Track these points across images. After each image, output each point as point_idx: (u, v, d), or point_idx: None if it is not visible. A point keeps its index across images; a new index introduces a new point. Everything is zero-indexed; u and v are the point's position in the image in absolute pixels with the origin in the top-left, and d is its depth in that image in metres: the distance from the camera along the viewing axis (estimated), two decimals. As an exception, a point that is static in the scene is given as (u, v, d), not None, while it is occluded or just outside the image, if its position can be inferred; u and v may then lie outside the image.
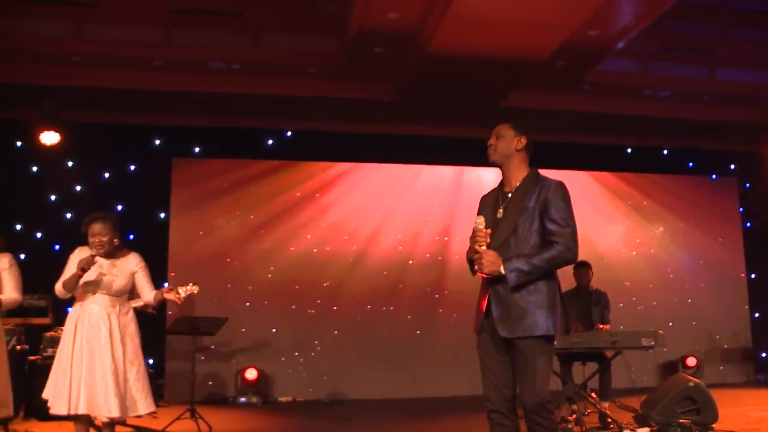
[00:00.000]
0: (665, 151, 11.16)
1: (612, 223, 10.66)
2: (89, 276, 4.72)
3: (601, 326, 6.98)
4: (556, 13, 7.15)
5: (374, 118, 9.64)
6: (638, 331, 6.12)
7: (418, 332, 9.54)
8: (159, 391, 8.39)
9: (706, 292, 10.70)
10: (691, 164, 11.24)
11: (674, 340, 9.36)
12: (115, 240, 4.91)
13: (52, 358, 6.54)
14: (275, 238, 9.71)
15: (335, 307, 9.58)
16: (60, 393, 4.63)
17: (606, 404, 6.82)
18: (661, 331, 6.10)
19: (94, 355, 4.62)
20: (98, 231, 4.75)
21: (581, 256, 8.08)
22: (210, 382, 9.05)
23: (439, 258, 9.90)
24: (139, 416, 5.00)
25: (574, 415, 6.11)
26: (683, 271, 10.76)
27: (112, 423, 4.75)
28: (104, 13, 8.34)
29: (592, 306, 7.17)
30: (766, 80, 9.67)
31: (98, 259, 4.72)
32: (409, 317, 9.46)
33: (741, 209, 11.15)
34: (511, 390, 3.53)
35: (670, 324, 10.17)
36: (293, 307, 9.54)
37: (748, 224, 11.11)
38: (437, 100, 9.34)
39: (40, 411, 7.05)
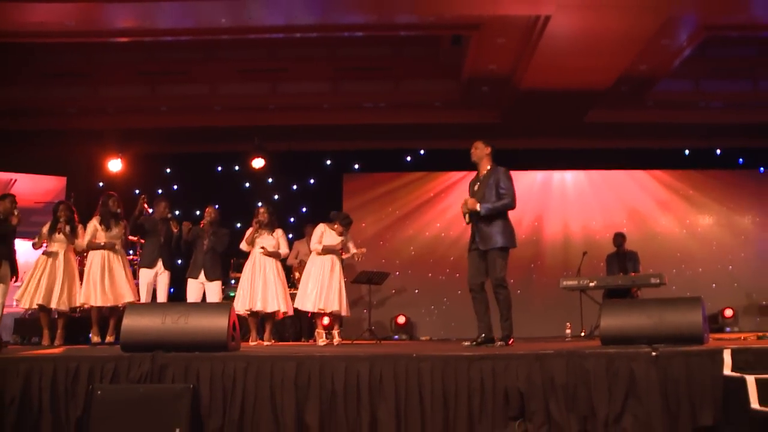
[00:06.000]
0: (718, 151, 11.83)
1: (667, 210, 11.78)
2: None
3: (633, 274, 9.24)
4: (606, 59, 8.88)
5: (484, 136, 8.94)
6: (649, 273, 8.31)
7: (519, 292, 10.17)
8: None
9: (746, 261, 11.53)
10: (741, 161, 11.84)
11: (716, 298, 10.78)
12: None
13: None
14: (415, 226, 11.89)
15: (458, 275, 10.75)
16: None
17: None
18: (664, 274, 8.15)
19: (332, 278, 7.83)
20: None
21: (642, 235, 11.18)
22: (373, 327, 10.39)
23: (534, 238, 11.71)
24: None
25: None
26: (726, 244, 11.62)
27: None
28: (291, 75, 10.55)
29: (627, 261, 9.59)
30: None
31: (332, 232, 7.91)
32: (512, 281, 9.98)
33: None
34: (482, 278, 5.80)
35: (714, 286, 11.30)
36: (429, 274, 11.68)
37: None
38: (532, 120, 10.73)
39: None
